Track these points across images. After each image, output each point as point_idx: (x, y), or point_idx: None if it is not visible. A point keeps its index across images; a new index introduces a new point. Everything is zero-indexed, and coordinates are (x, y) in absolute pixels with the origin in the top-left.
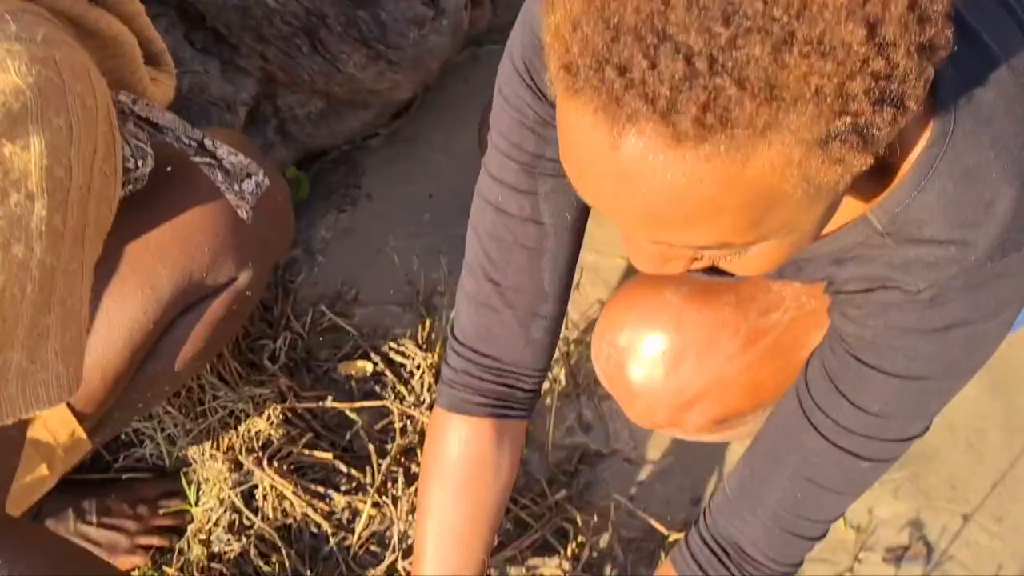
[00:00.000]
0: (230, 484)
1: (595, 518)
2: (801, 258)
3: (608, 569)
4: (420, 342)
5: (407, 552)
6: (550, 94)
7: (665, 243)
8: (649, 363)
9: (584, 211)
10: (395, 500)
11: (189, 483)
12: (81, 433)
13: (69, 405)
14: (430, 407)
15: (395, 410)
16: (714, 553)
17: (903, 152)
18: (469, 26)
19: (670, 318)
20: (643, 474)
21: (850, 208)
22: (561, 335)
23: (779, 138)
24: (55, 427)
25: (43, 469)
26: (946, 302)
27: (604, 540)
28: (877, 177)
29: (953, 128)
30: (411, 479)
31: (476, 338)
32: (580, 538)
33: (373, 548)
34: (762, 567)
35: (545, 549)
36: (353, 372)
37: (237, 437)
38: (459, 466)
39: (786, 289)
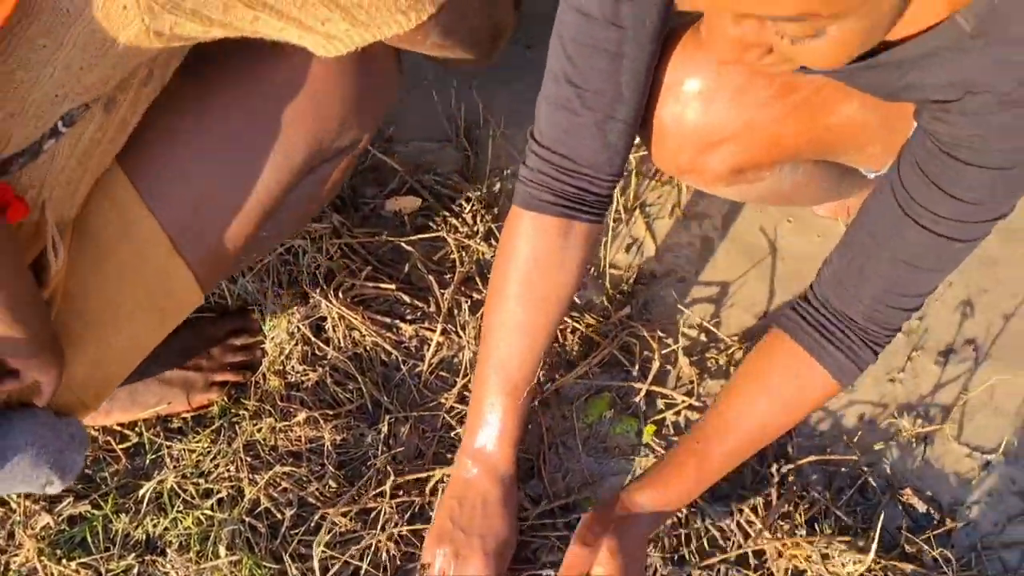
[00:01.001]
0: (298, 317)
1: (659, 333)
2: (886, 61)
3: (674, 380)
4: (467, 175)
5: None
6: None
7: (751, 17)
8: (684, 100)
9: (663, 17)
10: (462, 327)
11: (259, 320)
12: (200, 297)
13: (194, 272)
14: (484, 237)
15: (451, 241)
16: (827, 318)
17: None
18: None
19: (711, 60)
20: (699, 291)
21: (935, 10)
22: None
23: None
24: (178, 292)
25: (158, 326)
26: None
27: (669, 354)
28: None
29: None
30: (475, 306)
31: (554, 139)
32: (648, 354)
33: (443, 374)
34: (868, 333)
35: (613, 365)
36: (402, 207)
37: (299, 271)
38: (526, 260)
39: None
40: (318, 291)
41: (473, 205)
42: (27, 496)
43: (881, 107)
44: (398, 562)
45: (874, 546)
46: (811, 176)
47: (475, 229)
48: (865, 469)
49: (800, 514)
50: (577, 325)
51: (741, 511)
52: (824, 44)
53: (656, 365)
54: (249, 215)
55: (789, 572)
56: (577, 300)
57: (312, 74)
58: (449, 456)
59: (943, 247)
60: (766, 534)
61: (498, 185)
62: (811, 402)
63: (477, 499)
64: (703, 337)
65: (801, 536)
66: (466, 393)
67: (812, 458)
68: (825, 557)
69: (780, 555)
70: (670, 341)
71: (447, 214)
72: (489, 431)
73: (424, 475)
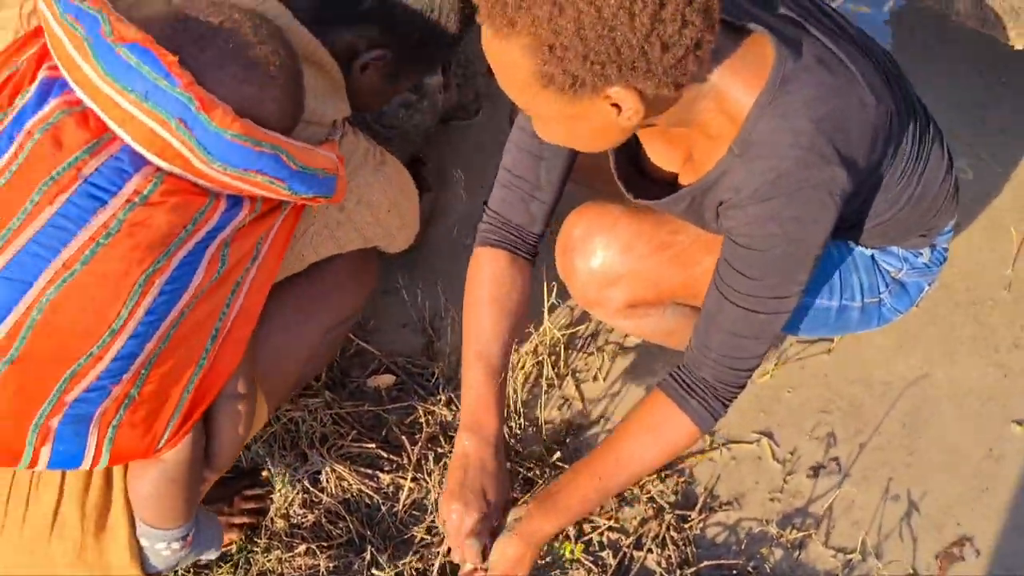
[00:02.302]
0: (300, 473)
1: None
2: (691, 192)
3: (597, 509)
4: (431, 355)
5: None
6: None
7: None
8: (588, 252)
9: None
10: (429, 474)
11: (267, 476)
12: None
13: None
14: (446, 403)
15: (419, 408)
16: (690, 380)
17: (742, 107)
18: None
19: (609, 223)
20: None
21: (723, 149)
22: (541, 340)
23: (517, 37)
24: (259, 420)
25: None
26: (771, 198)
27: None
28: (728, 125)
29: (779, 85)
30: (439, 458)
31: (496, 206)
32: None
33: (415, 512)
34: (718, 390)
35: None
36: (380, 384)
37: (299, 437)
38: (489, 279)
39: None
40: (314, 451)
41: (437, 379)
42: None
43: None
44: None
45: None
46: (691, 319)
47: (439, 398)
48: (751, 570)
49: None
50: (520, 469)
51: None
52: (537, 123)
53: None
54: (300, 360)
55: None
56: (520, 449)
57: (338, 273)
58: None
59: (751, 319)
60: None
61: (456, 362)
62: (680, 442)
63: (476, 463)
64: None
65: None
66: (432, 526)
67: (708, 563)
68: None
69: None
70: None
71: (416, 387)
72: (478, 407)
73: None
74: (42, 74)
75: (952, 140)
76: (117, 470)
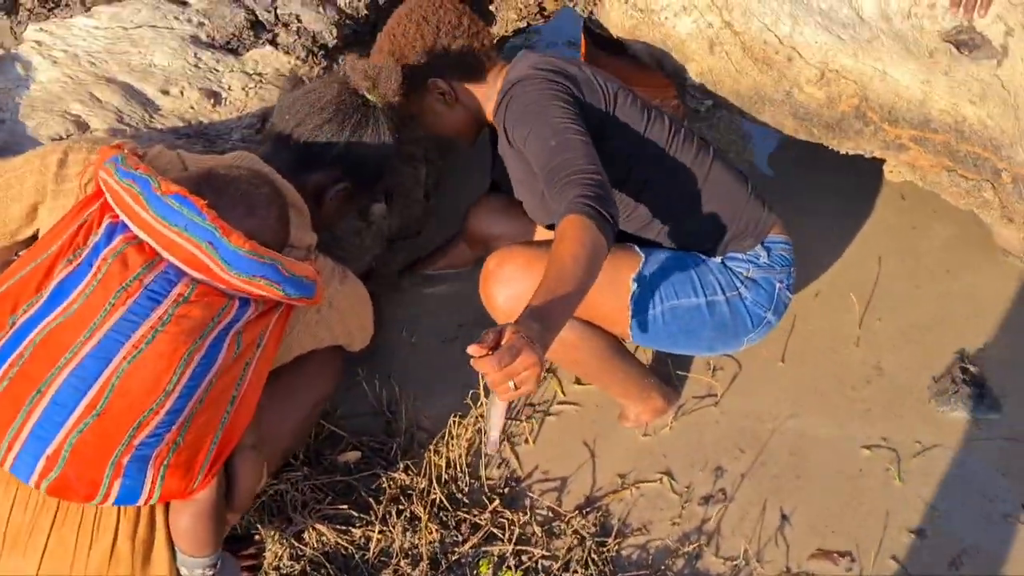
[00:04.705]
0: (287, 533)
1: (519, 515)
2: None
3: (533, 541)
4: (390, 433)
5: (406, 555)
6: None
7: None
8: (502, 278)
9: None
10: (392, 527)
11: (259, 538)
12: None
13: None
14: (404, 470)
15: (382, 475)
16: (562, 212)
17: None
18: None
19: (515, 253)
20: (547, 485)
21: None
22: (480, 412)
23: None
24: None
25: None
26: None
27: (527, 527)
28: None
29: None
30: (400, 513)
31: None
32: (513, 528)
33: (383, 559)
34: (574, 196)
35: (492, 538)
36: (348, 459)
37: (284, 505)
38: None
39: None
40: (298, 514)
41: (395, 452)
42: None
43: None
44: None
45: None
46: (592, 331)
47: (398, 466)
48: None
49: None
50: (467, 516)
51: None
52: None
53: (516, 534)
54: (290, 429)
55: None
56: (467, 500)
57: (315, 363)
58: None
59: (545, 147)
60: None
61: (412, 436)
62: (574, 230)
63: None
64: (550, 513)
65: None
66: (397, 567)
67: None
68: None
69: None
70: (528, 518)
71: (379, 460)
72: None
73: None
74: (106, 221)
75: (813, 217)
76: (159, 513)
